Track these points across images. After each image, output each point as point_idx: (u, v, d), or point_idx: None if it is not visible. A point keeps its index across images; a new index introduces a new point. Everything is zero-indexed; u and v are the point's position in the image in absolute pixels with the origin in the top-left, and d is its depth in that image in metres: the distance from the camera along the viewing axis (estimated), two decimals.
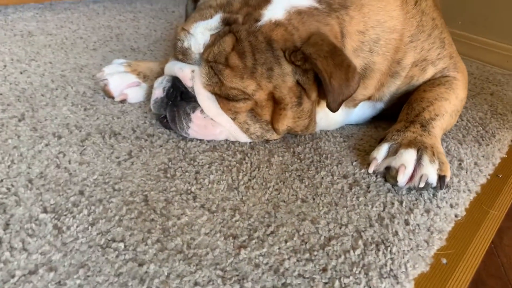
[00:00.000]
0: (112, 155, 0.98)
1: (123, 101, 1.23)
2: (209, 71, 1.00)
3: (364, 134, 1.19)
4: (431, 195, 0.95)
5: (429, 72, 1.20)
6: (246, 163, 1.00)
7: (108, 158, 0.96)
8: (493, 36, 1.87)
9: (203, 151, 1.03)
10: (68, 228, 0.76)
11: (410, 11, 1.15)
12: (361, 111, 1.21)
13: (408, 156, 0.95)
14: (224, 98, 1.02)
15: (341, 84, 0.98)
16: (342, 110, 1.16)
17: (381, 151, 1.00)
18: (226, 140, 1.08)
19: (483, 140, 1.21)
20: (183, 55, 1.05)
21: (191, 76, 1.03)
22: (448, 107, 1.14)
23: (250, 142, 1.09)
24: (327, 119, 1.14)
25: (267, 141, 1.10)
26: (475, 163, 1.10)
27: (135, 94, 1.24)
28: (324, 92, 1.04)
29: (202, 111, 1.04)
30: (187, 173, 0.94)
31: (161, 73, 1.27)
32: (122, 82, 1.23)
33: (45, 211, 0.80)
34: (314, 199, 0.90)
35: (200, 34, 1.02)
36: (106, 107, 1.19)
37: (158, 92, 1.09)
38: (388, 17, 1.11)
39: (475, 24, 1.90)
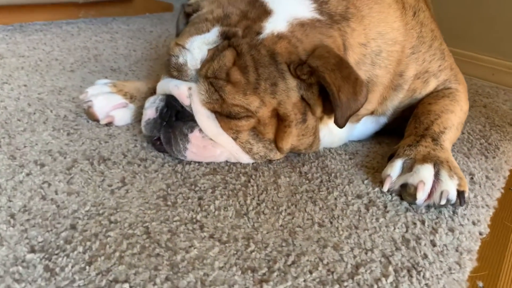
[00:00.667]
0: (104, 183, 0.88)
1: (109, 124, 1.13)
2: (209, 88, 0.92)
3: (369, 151, 1.13)
4: (451, 212, 0.89)
5: (432, 85, 1.16)
6: (252, 186, 0.92)
7: (100, 187, 0.86)
8: (477, 49, 1.88)
9: (203, 175, 0.94)
10: (62, 269, 0.66)
11: (409, 22, 1.12)
12: (364, 126, 1.15)
13: (426, 172, 0.89)
14: (225, 116, 0.94)
15: (349, 98, 0.92)
16: (345, 126, 1.11)
17: (395, 168, 0.94)
18: (227, 161, 1.00)
19: (488, 152, 1.18)
20: (178, 71, 0.97)
21: (188, 93, 0.95)
22: (454, 120, 1.10)
23: (252, 163, 1.01)
24: (331, 135, 1.08)
25: (270, 161, 1.03)
26: (487, 177, 1.05)
27: (122, 116, 1.14)
28: (330, 107, 0.98)
29: (200, 131, 0.96)
30: (189, 200, 0.85)
31: (148, 93, 1.19)
32: (108, 103, 1.13)
33: (32, 250, 0.69)
34: (331, 222, 0.82)
35: (197, 49, 0.95)
36: (91, 131, 1.09)
37: (150, 113, 1.00)
38: (389, 28, 1.07)
39: (459, 38, 1.91)
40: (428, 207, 0.90)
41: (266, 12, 0.97)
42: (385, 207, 0.89)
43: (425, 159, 0.93)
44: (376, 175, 1.01)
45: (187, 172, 0.95)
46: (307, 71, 0.91)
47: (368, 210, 0.87)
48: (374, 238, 0.79)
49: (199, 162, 0.99)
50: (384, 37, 1.06)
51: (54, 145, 1.00)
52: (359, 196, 0.92)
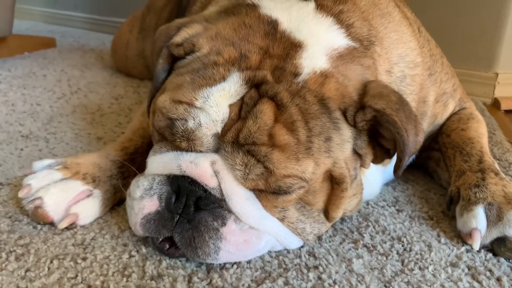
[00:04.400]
0: None
1: (70, 226, 0.77)
2: (248, 159, 0.65)
3: (406, 195, 0.95)
4: None
5: (450, 107, 1.03)
6: (330, 285, 0.66)
7: None
8: None
9: (256, 282, 0.66)
10: None
11: (420, 40, 0.97)
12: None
13: None
14: (270, 193, 0.67)
15: (413, 141, 0.73)
16: (379, 171, 0.91)
17: (480, 219, 0.77)
18: (270, 251, 0.73)
19: (507, 170, 1.08)
20: (188, 140, 0.67)
21: (213, 170, 0.66)
22: (487, 143, 0.99)
23: (302, 246, 0.75)
24: (369, 186, 0.88)
25: (319, 238, 0.78)
26: None
27: (90, 210, 0.80)
28: (381, 155, 0.78)
29: (236, 220, 0.68)
30: None
31: (114, 169, 0.86)
32: (66, 196, 0.78)
33: None
34: None
35: (215, 106, 0.66)
36: (51, 244, 0.72)
37: (151, 204, 0.69)
38: (408, 49, 0.91)
39: None
40: None
41: (295, 45, 0.72)
42: (491, 271, 0.71)
43: (510, 202, 0.78)
44: (442, 226, 0.83)
45: (232, 284, 0.66)
46: (371, 116, 0.69)
47: (480, 282, 0.68)
48: None
49: (236, 262, 0.70)
50: (405, 60, 0.90)
51: (4, 286, 0.63)
52: (454, 265, 0.72)
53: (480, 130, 0.98)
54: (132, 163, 0.86)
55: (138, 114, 1.03)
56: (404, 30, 0.93)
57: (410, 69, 0.90)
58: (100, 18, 2.86)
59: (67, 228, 0.77)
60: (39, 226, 0.77)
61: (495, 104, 1.70)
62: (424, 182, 1.01)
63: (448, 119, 1.02)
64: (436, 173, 1.01)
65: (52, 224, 0.77)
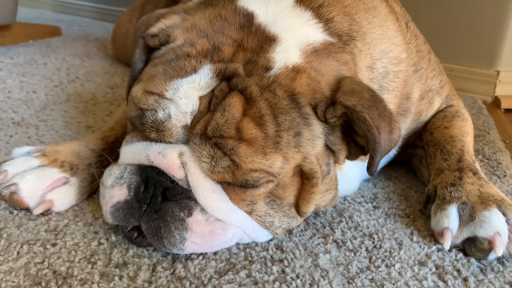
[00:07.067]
0: None
1: (46, 212, 0.79)
2: (214, 152, 0.65)
3: (385, 191, 0.95)
4: None
5: (436, 104, 1.01)
6: (293, 279, 0.66)
7: None
8: None
9: (219, 273, 0.67)
10: None
11: (406, 35, 0.96)
12: None
13: (499, 220, 0.73)
14: (238, 186, 0.68)
15: (385, 139, 0.72)
16: (357, 166, 0.91)
17: (452, 218, 0.76)
18: (238, 243, 0.74)
19: (496, 170, 1.07)
20: (157, 131, 0.68)
21: (180, 162, 0.67)
22: (471, 141, 0.97)
23: (271, 239, 0.76)
24: (346, 182, 0.88)
25: (289, 231, 0.79)
26: None
27: (65, 197, 0.81)
28: (355, 152, 0.78)
29: (202, 211, 0.68)
30: None
31: (93, 157, 0.87)
32: (41, 182, 0.79)
33: None
34: None
35: (184, 98, 0.67)
36: (24, 229, 0.74)
37: (120, 193, 0.70)
38: (392, 45, 0.90)
39: None
40: (498, 259, 0.74)
41: (269, 39, 0.72)
42: (459, 272, 0.71)
43: (484, 202, 0.77)
44: (417, 225, 0.82)
45: (195, 274, 0.66)
46: (342, 112, 0.69)
47: (446, 282, 0.68)
48: None
49: (202, 253, 0.71)
50: (388, 56, 0.89)
51: None
52: (422, 263, 0.72)
53: (464, 128, 0.97)
54: (112, 153, 0.87)
55: (124, 104, 1.04)
56: (390, 25, 0.91)
57: (393, 65, 0.89)
58: (107, 8, 2.88)
59: (42, 214, 0.78)
60: (15, 212, 0.78)
61: (496, 103, 1.67)
62: (406, 180, 1.01)
63: (433, 116, 1.01)
64: (419, 170, 1.01)
65: (28, 210, 0.78)
